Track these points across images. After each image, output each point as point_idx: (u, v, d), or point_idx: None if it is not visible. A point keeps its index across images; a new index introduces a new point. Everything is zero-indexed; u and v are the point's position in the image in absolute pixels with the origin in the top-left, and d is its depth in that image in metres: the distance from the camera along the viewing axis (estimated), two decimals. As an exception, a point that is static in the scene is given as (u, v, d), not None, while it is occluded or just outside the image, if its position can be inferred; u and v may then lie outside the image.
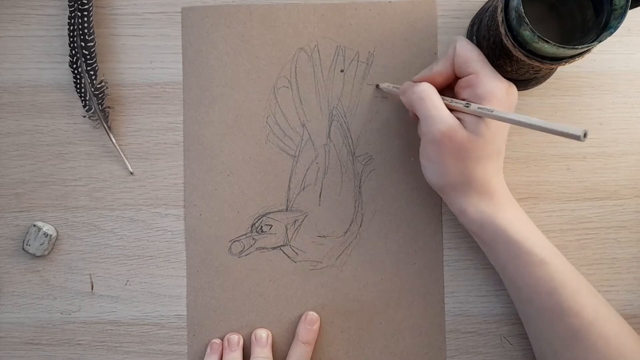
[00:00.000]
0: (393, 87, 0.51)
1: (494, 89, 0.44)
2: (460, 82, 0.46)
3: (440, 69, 0.47)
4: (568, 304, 0.45)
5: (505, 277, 0.48)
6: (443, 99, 0.46)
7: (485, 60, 0.46)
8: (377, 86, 0.53)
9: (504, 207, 0.47)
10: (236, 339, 0.52)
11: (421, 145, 0.47)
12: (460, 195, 0.47)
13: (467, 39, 0.47)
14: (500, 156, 0.47)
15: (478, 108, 0.43)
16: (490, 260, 0.50)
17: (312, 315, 0.52)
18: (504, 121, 0.42)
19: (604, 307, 0.46)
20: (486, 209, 0.47)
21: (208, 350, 0.52)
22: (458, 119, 0.45)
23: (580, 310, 0.45)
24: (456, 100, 0.46)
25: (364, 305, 0.53)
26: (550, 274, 0.45)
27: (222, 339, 0.52)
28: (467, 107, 0.44)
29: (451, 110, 0.45)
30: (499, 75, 0.45)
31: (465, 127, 0.44)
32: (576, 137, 0.35)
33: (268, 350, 0.51)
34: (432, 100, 0.45)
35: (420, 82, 0.47)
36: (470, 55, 0.45)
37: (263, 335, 0.52)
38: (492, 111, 0.42)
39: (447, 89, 0.49)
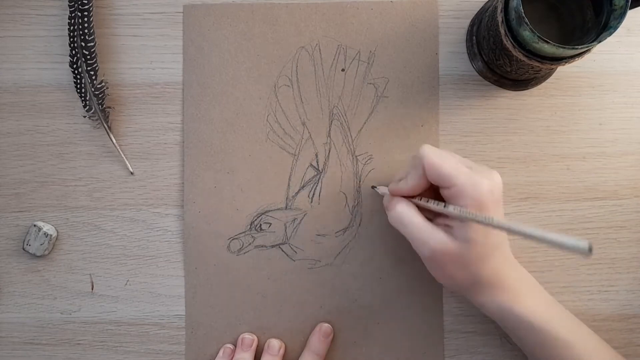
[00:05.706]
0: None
1: (478, 197, 0.42)
2: (444, 194, 0.44)
3: (414, 183, 0.45)
4: None
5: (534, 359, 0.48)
6: (420, 203, 0.44)
7: (457, 165, 0.43)
8: (373, 187, 0.52)
9: (522, 295, 0.46)
10: (250, 339, 0.52)
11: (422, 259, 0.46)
12: (475, 294, 0.46)
13: (431, 148, 0.44)
14: (503, 247, 0.46)
15: (454, 209, 0.42)
16: (517, 344, 0.49)
17: (327, 327, 0.52)
18: (488, 226, 0.40)
19: None
20: (503, 301, 0.46)
21: (220, 353, 0.52)
22: (447, 225, 0.44)
23: None
24: (432, 201, 0.44)
25: (363, 304, 0.53)
26: (577, 355, 0.45)
27: (234, 345, 0.52)
28: (446, 208, 0.42)
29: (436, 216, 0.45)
30: (476, 177, 0.42)
31: (455, 236, 0.43)
32: (582, 252, 0.33)
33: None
34: (413, 222, 0.44)
35: (398, 193, 0.46)
36: (440, 172, 0.43)
37: (276, 345, 0.51)
38: (474, 216, 0.41)
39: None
